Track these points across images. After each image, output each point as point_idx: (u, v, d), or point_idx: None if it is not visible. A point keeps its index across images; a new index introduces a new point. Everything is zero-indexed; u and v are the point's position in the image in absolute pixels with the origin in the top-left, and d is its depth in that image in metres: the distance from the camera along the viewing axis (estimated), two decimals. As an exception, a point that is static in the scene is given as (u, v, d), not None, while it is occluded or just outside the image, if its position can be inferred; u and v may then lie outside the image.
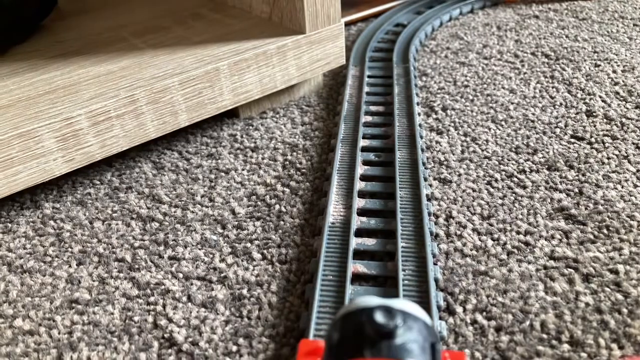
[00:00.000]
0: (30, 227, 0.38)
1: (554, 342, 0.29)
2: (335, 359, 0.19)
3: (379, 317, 0.18)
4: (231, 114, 0.50)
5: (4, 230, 0.38)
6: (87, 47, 0.47)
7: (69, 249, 0.36)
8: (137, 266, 0.35)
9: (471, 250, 0.35)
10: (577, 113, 0.48)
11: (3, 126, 0.35)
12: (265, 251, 0.35)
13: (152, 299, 0.32)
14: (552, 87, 0.52)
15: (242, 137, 0.47)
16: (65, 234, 0.38)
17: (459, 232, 0.36)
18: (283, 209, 0.39)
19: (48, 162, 0.37)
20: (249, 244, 0.36)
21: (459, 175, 0.41)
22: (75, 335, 0.30)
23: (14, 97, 0.39)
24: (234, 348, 0.29)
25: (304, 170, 0.43)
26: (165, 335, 0.30)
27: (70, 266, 0.35)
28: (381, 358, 0.18)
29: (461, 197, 0.39)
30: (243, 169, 0.43)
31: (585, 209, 0.37)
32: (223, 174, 0.43)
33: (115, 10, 0.55)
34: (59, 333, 0.31)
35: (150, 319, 0.31)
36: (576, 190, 0.39)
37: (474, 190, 0.40)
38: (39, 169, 0.37)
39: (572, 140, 0.45)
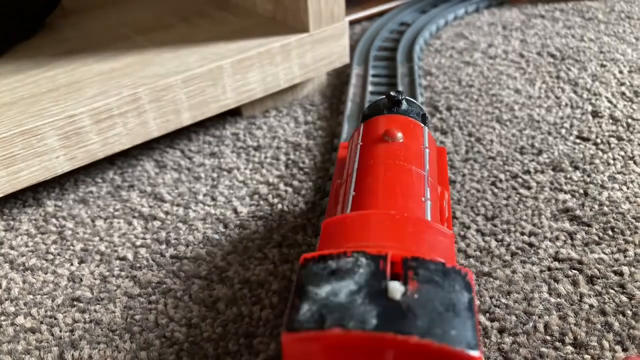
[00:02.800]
0: (32, 224, 0.38)
1: (557, 343, 0.28)
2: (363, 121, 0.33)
3: (392, 93, 0.33)
4: (234, 113, 0.50)
5: (7, 227, 0.38)
6: (90, 45, 0.47)
7: (71, 247, 0.36)
8: (138, 265, 0.35)
9: (475, 251, 0.34)
10: (582, 113, 0.48)
11: (6, 124, 0.35)
12: (267, 251, 0.35)
13: (153, 297, 0.32)
14: (558, 87, 0.52)
15: (244, 135, 0.47)
16: (67, 232, 0.38)
17: (462, 233, 0.36)
18: (285, 209, 0.39)
19: (50, 160, 0.37)
20: (250, 244, 0.36)
21: (463, 175, 0.41)
22: (77, 333, 0.30)
23: (17, 95, 0.39)
24: (235, 348, 0.29)
25: (306, 169, 0.43)
26: (167, 334, 0.30)
27: (72, 264, 0.35)
28: (394, 114, 0.32)
29: (465, 197, 0.39)
30: (245, 168, 0.43)
31: (590, 210, 0.37)
32: (225, 172, 0.43)
33: (119, 7, 0.55)
34: (60, 331, 0.31)
35: (151, 317, 0.31)
36: (581, 191, 0.39)
37: (478, 191, 0.39)
38: (42, 166, 0.37)
39: (578, 140, 0.44)
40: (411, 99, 0.34)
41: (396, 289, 0.19)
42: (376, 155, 0.28)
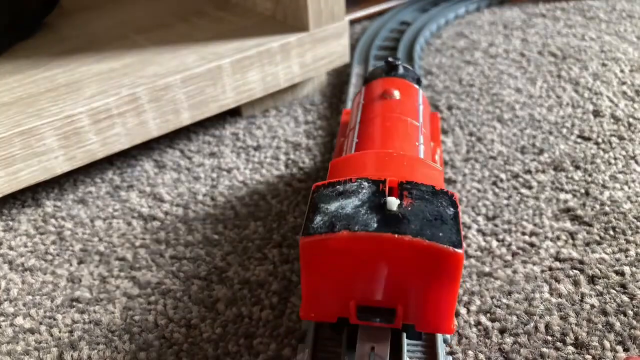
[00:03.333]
0: (31, 225, 0.38)
1: (558, 344, 0.28)
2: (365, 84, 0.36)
3: (389, 59, 0.36)
4: (234, 113, 0.50)
5: (5, 228, 0.38)
6: (89, 45, 0.46)
7: (70, 248, 0.36)
8: (138, 265, 0.34)
9: (476, 251, 0.34)
10: (583, 113, 0.48)
11: (5, 124, 0.35)
12: (266, 251, 0.35)
13: (152, 298, 0.32)
14: (559, 87, 0.52)
15: (244, 135, 0.47)
16: (66, 232, 0.37)
17: (463, 233, 0.36)
18: (285, 209, 0.38)
19: (49, 160, 0.37)
20: (250, 244, 0.36)
21: (464, 175, 0.41)
22: (76, 334, 0.30)
23: (15, 95, 0.39)
24: (235, 348, 0.29)
25: (306, 169, 0.43)
26: (166, 335, 0.30)
27: (71, 265, 0.35)
28: (392, 77, 0.35)
29: (466, 197, 0.39)
30: (245, 168, 0.43)
31: (592, 209, 0.37)
32: (225, 172, 0.43)
33: (118, 7, 0.55)
34: (59, 332, 0.30)
35: (150, 318, 0.31)
36: (582, 190, 0.39)
37: (479, 191, 0.39)
38: (41, 167, 0.37)
39: (579, 140, 0.44)
40: (407, 66, 0.38)
41: (393, 202, 0.22)
42: (376, 110, 0.32)
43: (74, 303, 0.32)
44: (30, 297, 0.33)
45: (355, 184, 0.24)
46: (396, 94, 0.33)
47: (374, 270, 0.22)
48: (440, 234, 0.21)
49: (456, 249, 0.21)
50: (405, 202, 0.23)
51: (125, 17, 0.52)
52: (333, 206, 0.23)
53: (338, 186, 0.24)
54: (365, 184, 0.24)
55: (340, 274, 0.23)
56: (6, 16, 0.45)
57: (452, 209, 0.23)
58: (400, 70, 0.36)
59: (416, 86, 0.36)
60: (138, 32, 0.49)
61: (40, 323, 0.31)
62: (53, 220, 0.39)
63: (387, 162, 0.26)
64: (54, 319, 0.31)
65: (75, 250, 0.36)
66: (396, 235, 0.21)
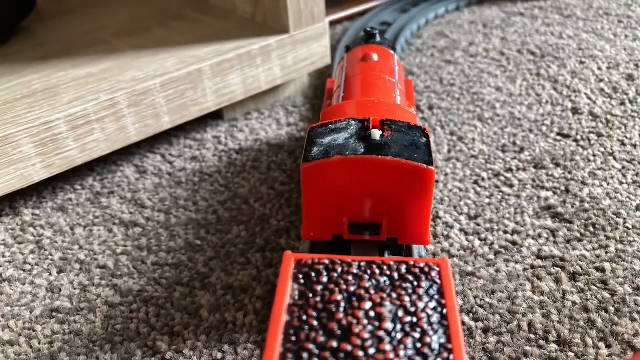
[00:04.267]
0: (9, 234, 0.38)
1: (541, 342, 0.28)
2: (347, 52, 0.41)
3: (368, 29, 0.41)
4: (215, 116, 0.49)
5: (-17, 238, 0.37)
6: (67, 49, 0.46)
7: (50, 257, 0.35)
8: (119, 273, 0.34)
9: (458, 250, 0.34)
10: (563, 110, 0.48)
11: (-21, 132, 0.35)
12: (250, 255, 0.35)
13: (134, 306, 0.32)
14: (538, 85, 0.52)
15: (226, 139, 0.47)
16: (45, 240, 0.37)
17: (446, 233, 0.36)
18: (268, 212, 0.38)
19: (27, 168, 0.36)
20: (233, 249, 0.35)
21: (446, 174, 0.41)
22: (56, 345, 0.30)
23: (-10, 102, 0.38)
24: (219, 355, 0.29)
25: (289, 172, 0.42)
26: (149, 344, 0.29)
27: (50, 274, 0.34)
28: (370, 45, 0.40)
29: (448, 197, 0.39)
30: (227, 172, 0.43)
31: (572, 207, 0.37)
32: (207, 177, 0.42)
33: (96, 11, 0.54)
34: (39, 343, 0.30)
35: (133, 327, 0.30)
36: (563, 188, 0.39)
37: (460, 190, 0.39)
38: (18, 174, 0.36)
39: (558, 138, 0.45)
40: (384, 36, 0.44)
41: (376, 133, 0.27)
42: (358, 70, 0.37)
43: (54, 313, 0.32)
44: (9, 308, 0.32)
45: (345, 122, 0.28)
46: (375, 56, 0.37)
47: (362, 190, 0.26)
48: (415, 156, 0.26)
49: (428, 166, 0.26)
50: (386, 134, 0.27)
51: (103, 22, 0.51)
52: (327, 140, 0.27)
53: (330, 125, 0.28)
54: (353, 122, 0.28)
55: (335, 195, 0.27)
56: (-20, 21, 0.44)
57: (424, 139, 0.27)
58: (378, 39, 0.41)
59: (392, 52, 0.40)
60: (116, 36, 0.48)
61: (20, 335, 0.30)
62: (32, 229, 0.38)
63: (370, 107, 0.30)
64: (34, 330, 0.31)
65: (55, 259, 0.35)
66: (380, 157, 0.26)
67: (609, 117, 0.47)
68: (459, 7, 0.72)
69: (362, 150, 0.26)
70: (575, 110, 0.48)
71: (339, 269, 0.21)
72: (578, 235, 0.35)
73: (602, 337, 0.28)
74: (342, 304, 0.20)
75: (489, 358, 0.28)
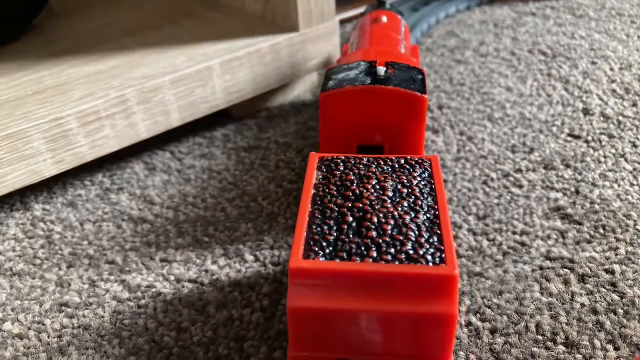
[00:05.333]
0: (19, 229, 0.38)
1: (549, 343, 0.28)
2: None
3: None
4: (224, 114, 0.50)
5: (-6, 232, 0.38)
6: (77, 46, 0.46)
7: (59, 251, 0.36)
8: (128, 268, 0.34)
9: (466, 250, 0.34)
10: (573, 111, 0.48)
11: (-9, 127, 0.35)
12: (257, 253, 0.35)
13: (142, 301, 0.32)
14: (549, 85, 0.52)
15: (235, 136, 0.47)
16: (55, 235, 0.37)
17: (454, 233, 0.36)
18: (276, 210, 0.38)
19: (37, 163, 0.36)
20: (241, 246, 0.35)
21: (455, 174, 0.41)
22: (65, 339, 0.30)
23: (2, 98, 0.39)
24: (225, 352, 0.29)
25: (297, 170, 0.42)
26: (156, 339, 0.30)
27: (60, 269, 0.35)
28: (381, 10, 0.46)
29: (456, 196, 0.39)
30: (236, 169, 0.43)
31: (582, 208, 0.37)
32: (215, 174, 0.42)
33: (107, 8, 0.54)
34: (48, 337, 0.30)
35: (140, 322, 0.31)
36: (572, 189, 0.39)
37: (469, 190, 0.39)
38: (28, 170, 0.36)
39: (569, 138, 0.44)
40: (393, 5, 0.50)
41: (381, 70, 0.33)
42: (369, 29, 0.42)
43: (63, 307, 0.32)
44: (19, 302, 0.32)
45: (355, 63, 0.34)
46: (384, 18, 0.43)
47: (368, 116, 0.32)
48: (412, 87, 0.32)
49: (422, 94, 0.31)
50: (390, 71, 0.33)
51: (114, 19, 0.52)
52: (340, 76, 0.33)
53: (343, 66, 0.35)
54: (362, 62, 0.34)
55: (346, 120, 0.33)
56: (-7, 18, 0.44)
57: (420, 76, 0.33)
58: (387, 6, 0.47)
59: (399, 17, 0.46)
60: (126, 33, 0.48)
61: (29, 328, 0.31)
62: (42, 224, 0.38)
63: (377, 53, 0.36)
64: (43, 324, 0.31)
65: (65, 254, 0.36)
66: (383, 86, 0.32)
67: (620, 118, 0.46)
68: (469, 7, 0.71)
69: (369, 82, 0.32)
70: (587, 111, 0.48)
71: (352, 161, 0.27)
72: (587, 236, 0.35)
73: (610, 339, 0.28)
74: (355, 181, 0.26)
75: (495, 359, 0.28)
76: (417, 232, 0.23)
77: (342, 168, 0.27)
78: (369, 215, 0.23)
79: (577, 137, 0.44)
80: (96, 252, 0.36)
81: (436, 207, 0.24)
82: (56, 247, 0.36)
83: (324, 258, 0.22)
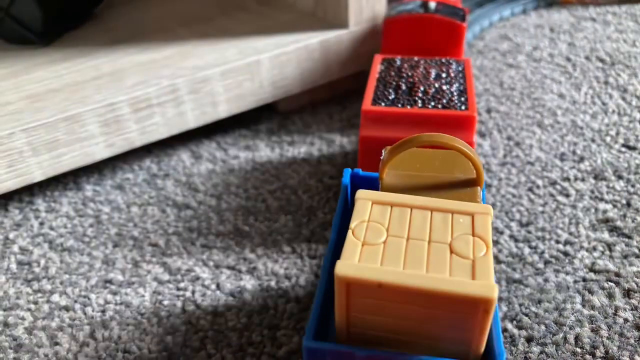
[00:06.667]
0: (71, 207, 0.40)
1: (587, 356, 0.27)
2: None
3: None
4: (270, 107, 0.50)
5: (48, 209, 0.40)
6: (134, 36, 0.48)
7: (106, 231, 0.37)
8: (169, 252, 0.35)
9: (507, 257, 0.34)
10: (630, 121, 0.46)
11: (51, 109, 0.37)
12: (295, 245, 0.35)
13: (182, 284, 0.33)
14: (605, 93, 0.50)
15: (279, 130, 0.47)
16: (103, 216, 0.39)
17: (495, 238, 0.35)
18: (315, 204, 0.39)
19: (91, 146, 0.38)
20: (279, 237, 0.36)
21: (500, 179, 0.40)
22: (108, 314, 0.31)
23: (63, 82, 0.41)
24: (258, 339, 0.29)
25: (338, 166, 0.43)
26: (192, 321, 0.31)
27: (106, 247, 0.36)
28: None
29: (500, 202, 0.38)
30: (279, 162, 0.43)
31: (632, 221, 0.36)
32: (259, 166, 0.43)
33: (163, 0, 0.56)
34: (92, 310, 0.32)
35: (179, 304, 0.32)
36: (624, 201, 0.37)
37: (514, 196, 0.38)
38: (82, 152, 0.38)
39: (623, 149, 0.43)
40: None
41: (432, 4, 0.43)
42: None
43: (107, 284, 0.33)
44: (67, 276, 0.34)
45: (412, 2, 0.44)
46: None
47: (420, 40, 0.42)
48: (455, 17, 0.42)
49: (462, 23, 0.42)
50: (438, 7, 0.43)
51: (169, 10, 0.53)
52: (400, 8, 0.44)
53: (402, 3, 0.45)
54: (418, 1, 0.44)
55: (404, 41, 0.43)
56: (60, 6, 0.47)
57: (462, 12, 0.43)
58: None
59: None
60: (180, 24, 0.50)
61: (75, 301, 0.32)
62: (92, 204, 0.40)
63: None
64: (88, 298, 0.32)
65: (111, 234, 0.37)
66: (432, 15, 0.42)
67: (680, 130, 0.44)
68: (525, 10, 0.69)
69: (422, 12, 0.42)
70: (644, 122, 0.46)
71: (407, 59, 0.38)
72: (637, 251, 0.33)
73: (655, 358, 0.27)
74: (408, 68, 0.36)
75: (530, 368, 0.27)
76: (450, 94, 0.34)
77: (398, 63, 0.38)
78: (417, 85, 0.34)
79: (632, 148, 0.43)
80: (140, 234, 0.37)
81: (465, 84, 0.35)
82: (104, 227, 0.38)
83: (384, 104, 0.33)
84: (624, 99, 0.49)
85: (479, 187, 0.25)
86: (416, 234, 0.21)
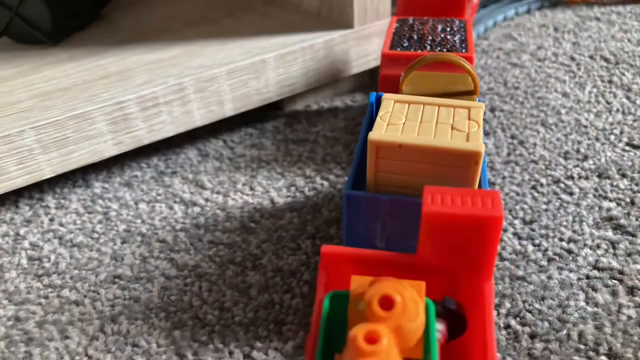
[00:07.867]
0: (81, 204, 0.40)
1: (590, 353, 0.28)
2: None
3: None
4: (276, 106, 0.51)
5: (58, 205, 0.40)
6: (141, 36, 0.48)
7: (115, 228, 0.38)
8: (177, 248, 0.36)
9: (510, 254, 0.34)
10: (634, 120, 0.46)
11: (60, 108, 0.37)
12: (300, 242, 0.36)
13: (189, 280, 0.33)
14: (609, 92, 0.50)
15: (285, 129, 0.48)
16: (112, 212, 0.39)
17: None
18: (320, 202, 0.39)
19: (99, 144, 0.39)
20: (285, 234, 0.36)
21: (503, 177, 0.40)
22: (117, 308, 0.32)
23: (71, 81, 0.41)
24: (265, 333, 0.30)
25: (343, 164, 0.43)
26: (200, 316, 0.31)
27: (115, 244, 0.37)
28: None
29: (503, 200, 0.38)
30: (284, 160, 0.44)
31: (636, 219, 0.36)
32: (264, 164, 0.44)
33: (169, 1, 0.57)
34: (102, 305, 0.32)
35: (186, 299, 0.32)
36: (627, 200, 0.38)
37: (517, 194, 0.39)
38: (91, 149, 0.39)
39: (627, 148, 0.43)
40: None
41: None
42: None
43: (116, 280, 0.34)
44: (77, 271, 0.35)
45: None
46: None
47: (427, 4, 0.45)
48: None
49: None
50: None
51: (175, 11, 0.54)
52: None
53: None
54: None
55: (414, 9, 0.46)
56: (69, 7, 0.47)
57: None
58: None
59: None
60: (187, 25, 0.50)
61: (85, 296, 0.33)
62: (100, 201, 0.41)
63: None
64: (98, 293, 0.33)
65: (120, 231, 0.38)
66: None
67: (684, 129, 0.44)
68: (529, 10, 0.70)
69: None
70: (648, 121, 0.46)
71: (418, 18, 0.43)
72: (640, 248, 0.34)
73: (657, 354, 0.27)
74: (419, 26, 0.41)
75: (533, 363, 0.27)
76: (453, 42, 0.39)
77: (411, 21, 0.42)
78: (426, 35, 0.40)
79: (637, 146, 0.43)
80: (148, 230, 0.37)
81: (466, 35, 0.40)
82: (112, 224, 0.38)
83: (400, 49, 0.39)
84: (628, 97, 0.49)
85: (475, 95, 0.31)
86: (427, 119, 0.28)
